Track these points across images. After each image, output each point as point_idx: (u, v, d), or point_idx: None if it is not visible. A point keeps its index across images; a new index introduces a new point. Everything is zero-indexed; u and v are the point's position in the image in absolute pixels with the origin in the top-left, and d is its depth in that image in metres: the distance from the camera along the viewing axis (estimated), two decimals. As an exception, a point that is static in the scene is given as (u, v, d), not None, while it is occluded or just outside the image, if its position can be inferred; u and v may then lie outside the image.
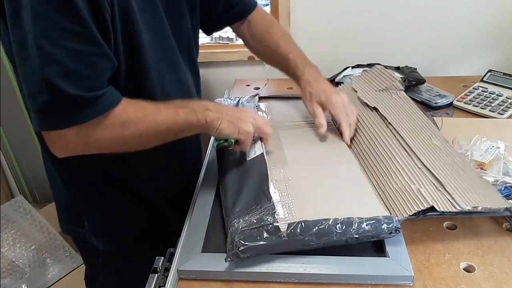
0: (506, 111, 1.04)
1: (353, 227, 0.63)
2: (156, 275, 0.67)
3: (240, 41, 1.47)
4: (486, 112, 1.05)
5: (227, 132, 0.74)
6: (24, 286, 1.57)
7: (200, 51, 1.49)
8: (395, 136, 0.83)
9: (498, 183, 0.77)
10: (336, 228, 0.63)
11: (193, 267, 0.65)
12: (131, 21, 0.68)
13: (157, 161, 0.82)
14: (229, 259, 0.63)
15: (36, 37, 0.58)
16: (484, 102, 1.08)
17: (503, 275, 0.64)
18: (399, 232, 0.64)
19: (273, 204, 0.68)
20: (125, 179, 0.83)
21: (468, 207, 0.65)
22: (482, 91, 1.12)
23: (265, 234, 0.63)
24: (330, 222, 0.64)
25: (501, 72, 1.17)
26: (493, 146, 0.84)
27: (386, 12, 1.34)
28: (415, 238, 0.71)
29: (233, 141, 0.77)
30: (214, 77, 1.51)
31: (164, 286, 0.65)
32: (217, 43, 1.49)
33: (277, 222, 0.65)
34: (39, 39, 0.58)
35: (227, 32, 1.50)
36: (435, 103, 1.09)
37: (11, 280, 1.57)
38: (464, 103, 1.09)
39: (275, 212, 0.67)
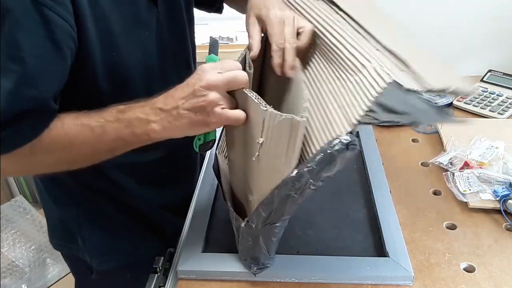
0: (506, 111, 1.04)
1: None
2: (156, 275, 0.67)
3: (240, 41, 1.48)
4: (486, 112, 1.05)
5: (191, 133, 0.58)
6: (24, 286, 1.57)
7: (200, 51, 1.49)
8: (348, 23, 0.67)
9: (497, 182, 0.77)
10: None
11: (193, 267, 0.65)
12: (114, 47, 0.63)
13: (145, 174, 0.79)
14: None
15: None
16: (484, 102, 1.08)
17: (503, 275, 0.64)
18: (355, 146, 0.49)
19: None
20: (118, 194, 0.80)
21: (439, 86, 0.51)
22: (482, 91, 1.12)
23: None
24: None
25: (501, 72, 1.17)
26: (492, 146, 0.84)
27: (386, 12, 1.34)
28: (415, 238, 0.71)
29: (213, 136, 0.62)
30: (214, 77, 1.51)
31: (164, 286, 0.65)
32: (217, 43, 1.49)
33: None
34: None
35: (227, 32, 1.51)
36: (435, 103, 1.09)
37: (11, 280, 1.57)
38: (464, 103, 1.09)
39: None
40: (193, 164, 0.92)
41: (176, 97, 0.55)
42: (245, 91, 0.53)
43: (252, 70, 0.62)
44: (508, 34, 1.34)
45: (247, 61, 0.63)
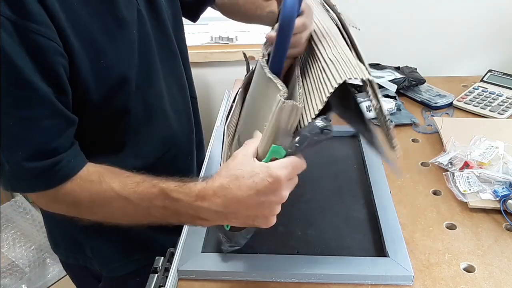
0: (506, 111, 1.04)
1: None
2: (156, 275, 0.67)
3: (240, 41, 1.48)
4: (486, 112, 1.05)
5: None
6: (24, 286, 1.56)
7: (200, 51, 1.50)
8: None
9: (497, 182, 0.77)
10: None
11: (193, 267, 0.65)
12: (101, 54, 0.62)
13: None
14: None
15: None
16: (484, 102, 1.08)
17: (503, 275, 0.64)
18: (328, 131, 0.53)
19: None
20: None
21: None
22: (482, 91, 1.12)
23: None
24: None
25: (501, 72, 1.17)
26: (492, 146, 0.84)
27: (386, 12, 1.34)
28: (415, 238, 0.71)
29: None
30: (214, 77, 1.51)
31: (164, 286, 0.65)
32: (217, 43, 1.48)
33: None
34: None
35: (227, 32, 1.50)
36: (435, 103, 1.09)
37: (11, 280, 1.57)
38: (464, 103, 1.09)
39: None
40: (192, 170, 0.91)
41: (241, 203, 0.52)
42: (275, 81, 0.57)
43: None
44: (508, 34, 1.34)
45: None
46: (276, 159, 0.53)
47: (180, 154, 0.84)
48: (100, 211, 0.61)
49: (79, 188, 0.59)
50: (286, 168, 0.52)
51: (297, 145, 0.52)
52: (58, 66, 0.56)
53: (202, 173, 0.88)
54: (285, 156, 0.53)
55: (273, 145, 0.53)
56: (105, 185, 0.59)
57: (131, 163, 0.73)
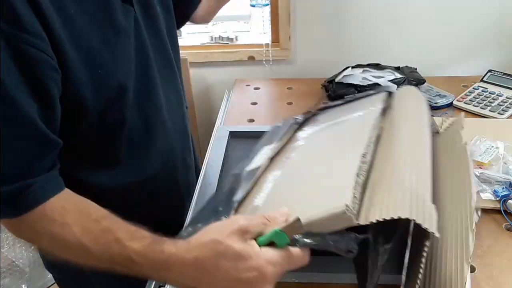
0: (506, 111, 1.04)
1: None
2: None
3: (240, 41, 1.48)
4: (486, 112, 1.05)
5: None
6: (24, 286, 1.56)
7: (200, 51, 1.50)
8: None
9: (497, 183, 0.77)
10: None
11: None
12: (99, 63, 0.59)
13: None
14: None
15: None
16: (484, 102, 1.08)
17: (503, 275, 0.64)
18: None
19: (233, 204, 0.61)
20: None
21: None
22: (482, 91, 1.12)
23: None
24: None
25: (501, 72, 1.17)
26: (492, 146, 0.84)
27: (386, 12, 1.34)
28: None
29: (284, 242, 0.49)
30: (214, 77, 1.51)
31: (164, 286, 0.65)
32: (217, 43, 1.49)
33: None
34: None
35: (227, 32, 1.50)
36: (435, 103, 1.09)
37: (11, 280, 1.57)
38: (464, 103, 1.09)
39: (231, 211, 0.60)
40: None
41: (214, 282, 0.48)
42: None
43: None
44: (508, 34, 1.34)
45: None
46: (274, 244, 0.48)
47: (178, 164, 0.81)
48: (61, 253, 0.55)
49: (39, 224, 0.54)
50: (280, 266, 0.47)
51: (309, 242, 0.48)
52: (48, 80, 0.53)
53: (201, 174, 0.88)
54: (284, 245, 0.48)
55: (278, 229, 0.47)
56: (67, 228, 0.53)
57: (129, 176, 0.71)
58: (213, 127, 1.04)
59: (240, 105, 1.17)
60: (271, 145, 0.74)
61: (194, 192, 0.83)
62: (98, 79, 0.59)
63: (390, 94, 0.73)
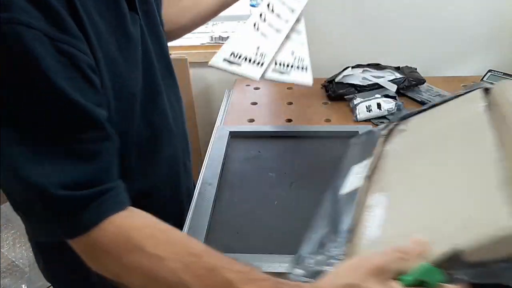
0: (506, 111, 1.04)
1: None
2: None
3: (240, 41, 1.48)
4: (486, 112, 1.05)
5: None
6: (24, 286, 1.57)
7: (200, 51, 1.50)
8: None
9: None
10: None
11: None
12: (117, 72, 0.57)
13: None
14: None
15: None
16: (484, 102, 1.08)
17: (503, 275, 0.64)
18: None
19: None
20: None
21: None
22: (482, 91, 1.12)
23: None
24: None
25: (501, 72, 1.17)
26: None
27: (386, 12, 1.34)
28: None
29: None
30: (214, 77, 1.51)
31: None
32: (217, 43, 1.49)
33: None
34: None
35: (227, 32, 1.50)
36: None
37: (11, 280, 1.57)
38: (464, 103, 1.09)
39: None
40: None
41: None
42: None
43: None
44: (508, 34, 1.34)
45: None
46: (423, 284, 0.40)
47: (180, 170, 0.81)
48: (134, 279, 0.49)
49: (126, 255, 0.48)
50: None
51: (469, 275, 0.40)
52: (97, 84, 0.51)
53: (201, 175, 0.88)
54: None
55: (427, 263, 0.41)
56: (160, 262, 0.47)
57: (137, 185, 0.68)
58: (213, 127, 1.04)
59: (240, 105, 1.17)
60: (362, 162, 0.67)
61: (193, 193, 0.83)
62: (118, 88, 0.57)
63: (486, 90, 0.64)
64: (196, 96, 1.52)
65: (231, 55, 0.65)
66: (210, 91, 1.54)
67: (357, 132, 0.97)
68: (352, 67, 1.22)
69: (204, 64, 1.47)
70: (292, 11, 0.76)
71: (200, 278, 0.46)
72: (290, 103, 1.17)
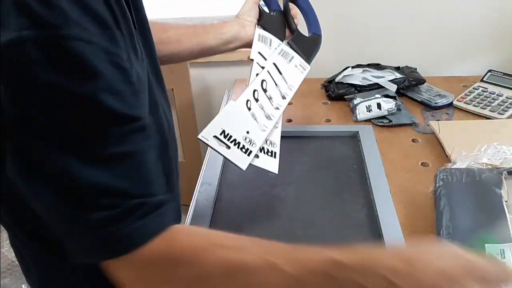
0: (506, 111, 1.04)
1: None
2: None
3: (240, 41, 1.48)
4: (486, 112, 1.05)
5: None
6: (24, 286, 1.56)
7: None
8: None
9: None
10: None
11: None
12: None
13: None
14: None
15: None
16: (484, 102, 1.08)
17: (503, 275, 0.64)
18: None
19: None
20: None
21: None
22: (482, 91, 1.12)
23: None
24: None
25: (501, 72, 1.17)
26: (499, 151, 0.83)
27: (386, 12, 1.34)
28: (415, 238, 0.71)
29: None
30: (214, 77, 1.51)
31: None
32: (217, 43, 1.48)
33: None
34: None
35: (227, 32, 1.50)
36: (435, 103, 1.09)
37: (11, 280, 1.57)
38: (464, 103, 1.09)
39: None
40: None
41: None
42: None
43: None
44: (508, 34, 1.34)
45: None
46: None
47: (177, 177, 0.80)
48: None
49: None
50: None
51: None
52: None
53: (201, 175, 0.88)
54: None
55: None
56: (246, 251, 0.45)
57: None
58: (213, 127, 1.04)
59: (240, 105, 1.17)
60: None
61: (193, 193, 0.83)
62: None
63: None
64: (196, 96, 1.52)
65: (221, 133, 0.63)
66: (210, 91, 1.54)
67: (357, 132, 0.97)
68: (352, 67, 1.22)
69: (204, 64, 1.48)
70: (284, 97, 0.75)
71: (287, 256, 0.44)
72: (290, 103, 1.17)
